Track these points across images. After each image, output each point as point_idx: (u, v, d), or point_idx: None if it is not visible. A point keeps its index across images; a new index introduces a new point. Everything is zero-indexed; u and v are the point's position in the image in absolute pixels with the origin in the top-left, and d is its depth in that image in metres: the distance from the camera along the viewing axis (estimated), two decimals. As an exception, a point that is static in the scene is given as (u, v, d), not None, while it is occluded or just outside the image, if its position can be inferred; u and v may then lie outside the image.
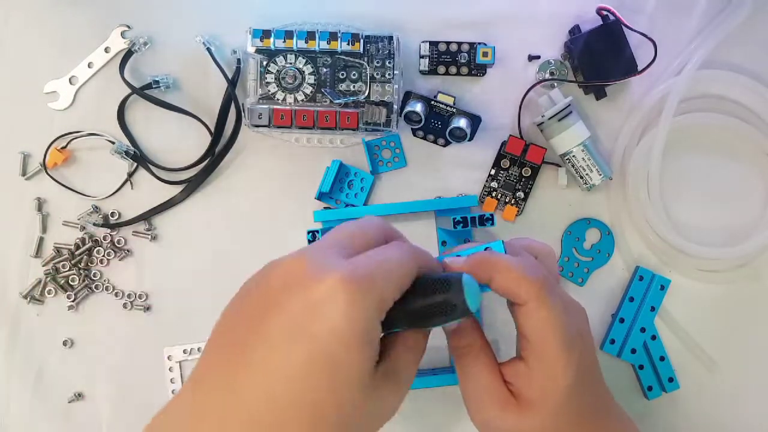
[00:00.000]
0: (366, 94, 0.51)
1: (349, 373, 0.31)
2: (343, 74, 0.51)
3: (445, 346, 0.54)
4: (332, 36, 0.50)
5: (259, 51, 0.51)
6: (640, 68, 0.51)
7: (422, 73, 0.54)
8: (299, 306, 0.31)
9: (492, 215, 0.45)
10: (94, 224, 0.54)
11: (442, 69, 0.53)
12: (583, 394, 0.37)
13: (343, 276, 0.31)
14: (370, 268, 0.33)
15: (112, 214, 0.54)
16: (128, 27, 0.54)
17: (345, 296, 0.31)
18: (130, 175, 0.54)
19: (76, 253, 0.54)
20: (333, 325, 0.30)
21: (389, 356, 0.35)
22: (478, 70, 0.53)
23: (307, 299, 0.31)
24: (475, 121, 0.53)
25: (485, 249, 0.39)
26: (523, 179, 0.54)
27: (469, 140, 0.53)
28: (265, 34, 0.50)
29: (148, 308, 0.54)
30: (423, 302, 0.34)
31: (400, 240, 0.38)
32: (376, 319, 0.32)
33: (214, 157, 0.54)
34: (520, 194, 0.54)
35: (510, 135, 0.53)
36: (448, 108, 0.52)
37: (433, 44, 0.53)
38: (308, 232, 0.46)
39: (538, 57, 0.54)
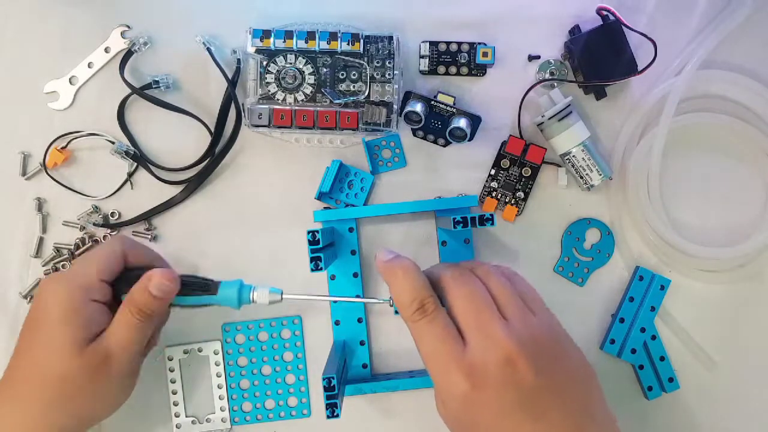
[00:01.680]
0: (366, 94, 0.51)
1: (60, 339, 0.43)
2: (343, 74, 0.51)
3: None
4: (332, 36, 0.50)
5: (259, 51, 0.51)
6: (640, 68, 0.51)
7: (422, 73, 0.54)
8: (34, 304, 0.46)
9: (492, 215, 0.45)
10: (94, 224, 0.54)
11: (442, 69, 0.53)
12: (480, 423, 0.39)
13: (53, 275, 0.50)
14: (73, 264, 0.50)
15: (112, 214, 0.54)
16: (128, 27, 0.54)
17: (51, 285, 0.45)
18: (130, 175, 0.54)
19: (76, 253, 0.54)
20: (45, 306, 0.45)
21: (106, 331, 0.45)
22: (478, 70, 0.53)
23: (37, 297, 0.46)
24: (475, 121, 0.53)
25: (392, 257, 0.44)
26: (523, 179, 0.54)
27: (469, 140, 0.53)
28: (265, 34, 0.50)
29: (148, 308, 0.54)
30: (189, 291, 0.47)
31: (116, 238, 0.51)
32: (80, 297, 0.44)
33: (214, 157, 0.54)
34: (520, 194, 0.54)
35: (510, 135, 0.53)
36: (448, 108, 0.52)
37: (433, 44, 0.53)
38: (308, 232, 0.46)
39: (538, 57, 0.54)
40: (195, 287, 0.47)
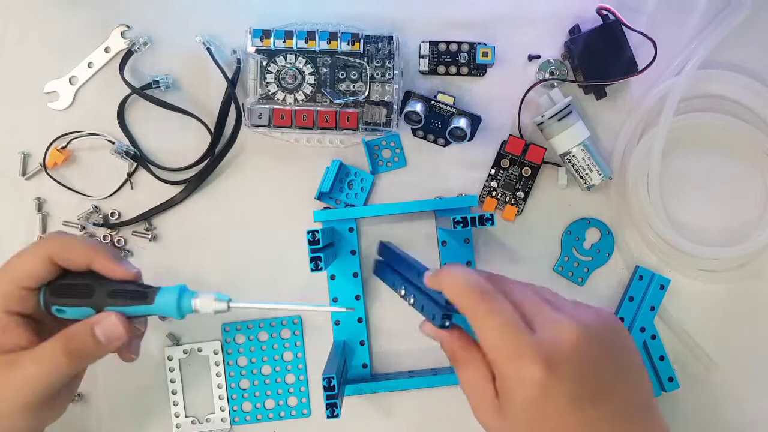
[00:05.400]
0: (366, 94, 0.51)
1: None
2: (343, 74, 0.51)
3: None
4: (332, 36, 0.50)
5: (259, 51, 0.51)
6: (640, 68, 0.51)
7: (422, 73, 0.54)
8: None
9: (492, 215, 0.45)
10: (94, 224, 0.54)
11: (442, 69, 0.53)
12: (552, 412, 0.36)
13: None
14: None
15: (112, 214, 0.54)
16: (128, 27, 0.54)
17: None
18: (130, 175, 0.54)
19: (76, 253, 0.54)
20: None
21: (23, 355, 0.40)
22: (478, 70, 0.54)
23: None
24: (475, 121, 0.53)
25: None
26: (523, 179, 0.54)
27: (469, 140, 0.53)
28: (265, 34, 0.50)
29: (148, 308, 0.54)
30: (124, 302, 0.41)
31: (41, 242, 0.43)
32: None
33: (214, 157, 0.54)
34: (520, 194, 0.54)
35: (510, 135, 0.53)
36: (448, 108, 0.52)
37: (433, 44, 0.53)
38: (308, 232, 0.46)
39: (538, 57, 0.54)
40: (128, 296, 0.41)
